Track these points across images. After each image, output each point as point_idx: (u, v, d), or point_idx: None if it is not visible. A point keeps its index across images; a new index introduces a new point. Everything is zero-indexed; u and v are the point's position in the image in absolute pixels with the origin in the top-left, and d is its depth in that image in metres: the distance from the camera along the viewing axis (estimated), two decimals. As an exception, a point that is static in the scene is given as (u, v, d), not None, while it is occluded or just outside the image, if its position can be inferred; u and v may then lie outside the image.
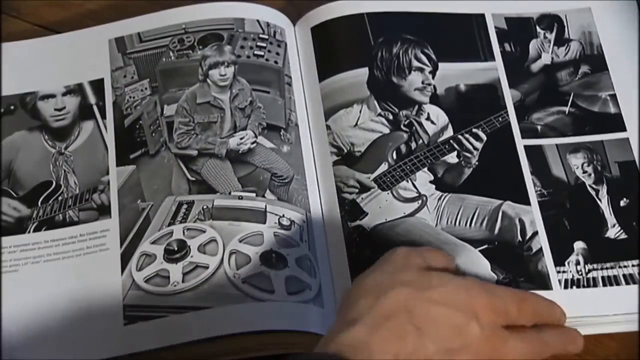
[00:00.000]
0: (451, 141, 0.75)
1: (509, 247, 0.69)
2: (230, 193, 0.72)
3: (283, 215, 0.70)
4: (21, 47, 0.82)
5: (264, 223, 0.70)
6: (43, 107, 0.78)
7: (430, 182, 0.73)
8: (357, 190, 0.72)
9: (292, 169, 0.73)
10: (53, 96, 0.79)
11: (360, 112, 0.76)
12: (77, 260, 0.69)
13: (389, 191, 0.72)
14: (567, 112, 0.76)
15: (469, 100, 0.77)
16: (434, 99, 0.77)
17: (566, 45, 0.80)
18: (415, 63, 0.78)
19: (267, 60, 0.79)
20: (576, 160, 0.73)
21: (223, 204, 0.71)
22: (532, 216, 0.70)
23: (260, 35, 0.80)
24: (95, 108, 0.78)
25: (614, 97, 0.77)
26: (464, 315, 0.53)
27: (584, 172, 0.73)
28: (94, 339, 0.65)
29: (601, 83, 0.78)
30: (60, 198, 0.73)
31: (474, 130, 0.75)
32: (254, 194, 0.72)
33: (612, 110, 0.76)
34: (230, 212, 0.70)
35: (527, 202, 0.71)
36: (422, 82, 0.78)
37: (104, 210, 0.72)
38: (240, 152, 0.75)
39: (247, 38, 0.80)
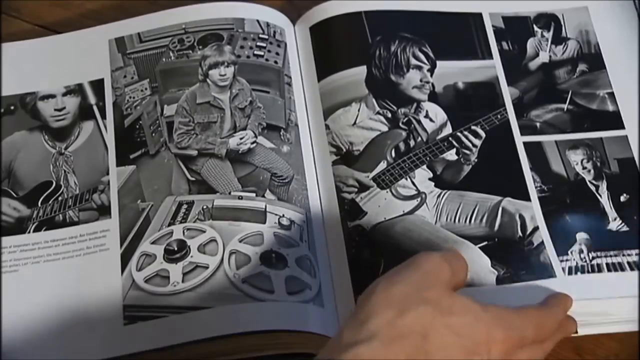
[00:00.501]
0: (450, 138, 0.75)
1: (510, 243, 0.69)
2: (230, 193, 0.72)
3: (283, 215, 0.70)
4: (21, 47, 0.82)
5: (264, 223, 0.70)
6: (43, 108, 0.79)
7: (430, 179, 0.73)
8: (356, 190, 0.72)
9: (292, 169, 0.73)
10: (53, 96, 0.79)
11: (358, 110, 0.76)
12: (77, 260, 0.69)
13: (387, 189, 0.72)
14: (565, 110, 0.77)
15: (467, 97, 0.78)
16: (433, 97, 0.77)
17: (563, 43, 0.80)
18: (413, 61, 0.78)
19: (267, 60, 0.79)
20: (575, 157, 0.73)
21: (223, 204, 0.71)
22: (532, 212, 0.70)
23: (260, 35, 0.80)
24: (95, 108, 0.78)
25: (611, 95, 0.77)
26: (475, 348, 0.53)
27: (584, 168, 0.73)
28: (94, 339, 0.65)
29: (599, 81, 0.78)
30: (60, 198, 0.73)
31: (473, 127, 0.75)
32: (253, 194, 0.72)
33: (610, 108, 0.76)
34: (230, 212, 0.70)
35: (527, 198, 0.71)
36: (421, 80, 0.78)
37: (104, 211, 0.72)
38: (240, 152, 0.75)
39: (247, 38, 0.80)
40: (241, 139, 0.75)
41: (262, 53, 0.79)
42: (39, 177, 0.75)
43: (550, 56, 0.80)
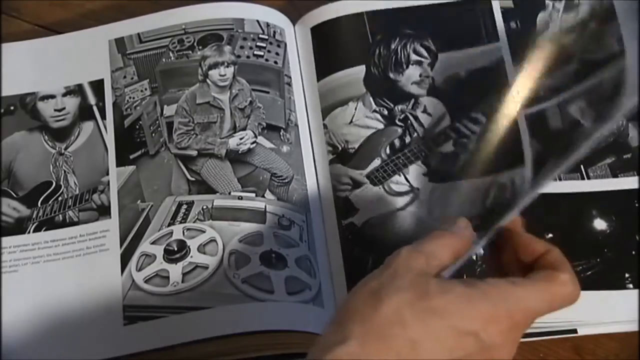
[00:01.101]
0: (447, 130, 0.74)
1: (500, 207, 0.67)
2: (230, 193, 0.72)
3: (283, 216, 0.70)
4: (21, 47, 0.82)
5: (264, 223, 0.70)
6: (43, 108, 0.79)
7: (424, 174, 0.72)
8: (349, 187, 0.72)
9: (291, 169, 0.73)
10: (53, 97, 0.79)
11: (355, 109, 0.76)
12: (77, 260, 0.70)
13: (380, 186, 0.72)
14: (571, 71, 0.73)
15: (469, 85, 0.76)
16: (432, 90, 0.76)
17: (575, 9, 0.77)
18: (413, 57, 0.77)
19: (266, 60, 0.79)
20: (575, 107, 0.72)
21: (223, 204, 0.71)
22: (524, 171, 0.68)
23: (260, 36, 0.80)
24: (95, 109, 0.78)
25: (620, 39, 0.73)
26: (466, 327, 0.49)
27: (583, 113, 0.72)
28: (94, 339, 0.65)
29: (608, 33, 0.74)
30: (60, 198, 0.73)
31: (473, 114, 0.73)
32: (253, 194, 0.72)
33: (617, 48, 0.73)
34: (230, 212, 0.70)
35: (521, 163, 0.69)
36: (420, 75, 0.77)
37: (104, 211, 0.72)
38: (240, 152, 0.75)
39: (247, 38, 0.80)
40: (241, 139, 0.75)
41: (262, 53, 0.79)
42: (39, 178, 0.75)
43: (560, 25, 0.77)
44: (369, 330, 0.48)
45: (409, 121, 0.74)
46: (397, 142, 0.74)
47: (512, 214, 0.54)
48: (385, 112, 0.76)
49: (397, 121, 0.75)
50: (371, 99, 0.76)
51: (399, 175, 0.73)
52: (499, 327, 0.49)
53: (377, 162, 0.73)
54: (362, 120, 0.75)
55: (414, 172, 0.73)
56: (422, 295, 0.49)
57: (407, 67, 0.77)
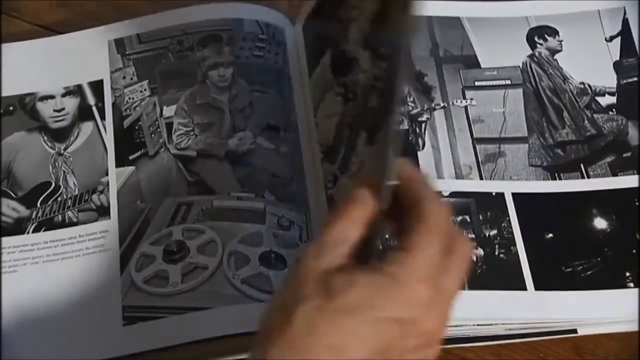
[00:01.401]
0: (372, 82, 0.63)
1: None
2: (229, 194, 0.72)
3: (282, 216, 0.70)
4: (21, 48, 0.82)
5: (263, 223, 0.70)
6: (42, 108, 0.79)
7: (366, 142, 0.66)
8: (332, 185, 0.71)
9: (291, 169, 0.73)
10: (52, 97, 0.79)
11: (329, 100, 0.72)
12: (77, 261, 0.69)
13: (346, 173, 0.69)
14: None
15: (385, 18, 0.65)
16: (366, 43, 0.64)
17: None
18: (352, 14, 0.65)
19: (266, 60, 0.79)
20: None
21: (222, 204, 0.71)
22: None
23: (260, 36, 0.80)
24: (94, 109, 0.78)
25: None
26: (379, 317, 0.46)
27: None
28: (93, 340, 0.65)
29: None
30: (59, 199, 0.73)
31: (382, 50, 0.60)
32: (253, 195, 0.72)
33: None
34: (230, 213, 0.70)
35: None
36: (359, 30, 0.65)
37: (103, 211, 0.72)
38: (239, 152, 0.74)
39: (246, 39, 0.80)
40: (240, 139, 0.75)
41: (261, 54, 0.79)
42: (38, 178, 0.75)
43: None
44: (286, 347, 0.45)
45: (356, 89, 0.67)
46: (351, 119, 0.68)
47: (385, 145, 0.48)
48: (343, 91, 0.70)
49: (350, 95, 0.69)
50: (334, 82, 0.71)
51: (354, 155, 0.67)
52: (417, 302, 0.47)
53: (342, 149, 0.70)
54: (333, 108, 0.71)
55: (361, 144, 0.66)
56: (329, 296, 0.46)
57: (351, 27, 0.65)
